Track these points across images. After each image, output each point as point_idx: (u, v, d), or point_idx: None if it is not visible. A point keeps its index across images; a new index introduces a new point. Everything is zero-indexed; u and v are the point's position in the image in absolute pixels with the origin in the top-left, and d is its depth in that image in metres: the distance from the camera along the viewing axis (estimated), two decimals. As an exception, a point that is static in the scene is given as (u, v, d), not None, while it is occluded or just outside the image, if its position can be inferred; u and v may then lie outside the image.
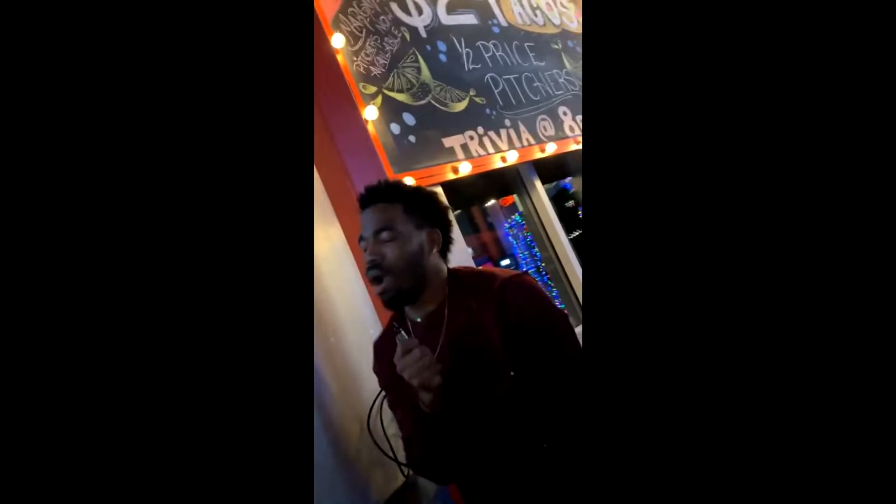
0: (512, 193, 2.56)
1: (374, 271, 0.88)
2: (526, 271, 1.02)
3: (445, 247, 0.98)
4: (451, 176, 1.92)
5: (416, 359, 0.79)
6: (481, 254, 3.04)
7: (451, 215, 0.97)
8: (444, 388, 0.81)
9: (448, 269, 0.97)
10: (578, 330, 0.85)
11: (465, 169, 1.95)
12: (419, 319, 0.94)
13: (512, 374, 0.86)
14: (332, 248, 1.64)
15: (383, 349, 1.01)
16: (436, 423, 0.84)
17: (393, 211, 0.91)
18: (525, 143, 2.25)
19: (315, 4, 1.80)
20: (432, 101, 1.99)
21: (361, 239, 0.92)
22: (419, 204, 0.94)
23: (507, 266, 3.49)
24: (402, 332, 0.84)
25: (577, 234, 2.54)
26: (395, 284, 0.88)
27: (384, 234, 0.89)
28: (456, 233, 1.95)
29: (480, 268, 1.00)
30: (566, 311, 1.02)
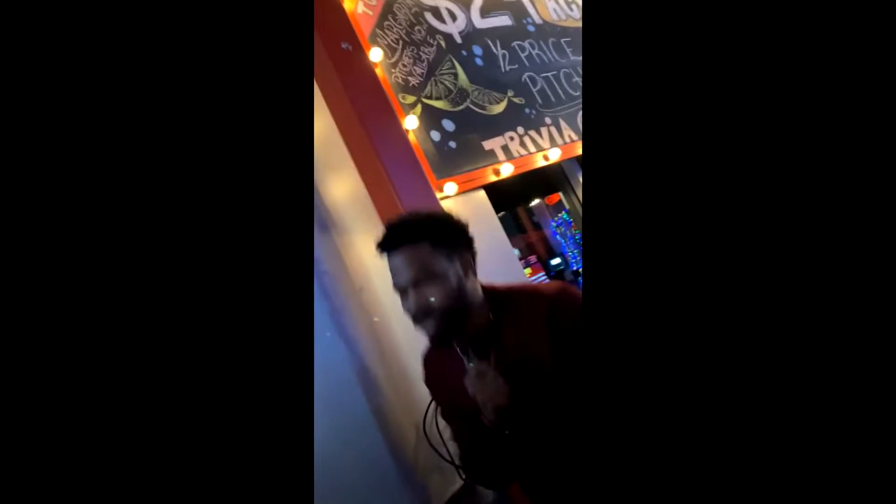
0: (557, 191, 2.53)
1: (423, 316, 0.87)
2: (571, 284, 0.99)
3: (473, 262, 0.94)
4: (492, 178, 1.92)
5: (491, 381, 0.82)
6: (529, 254, 3.01)
7: (470, 230, 0.95)
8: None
9: (482, 286, 0.94)
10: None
11: (506, 170, 1.95)
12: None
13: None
14: (382, 260, 1.68)
15: (433, 363, 1.01)
16: (495, 436, 0.86)
17: (422, 252, 0.87)
18: (567, 140, 2.21)
19: (352, 21, 1.86)
20: (470, 106, 2.00)
21: (396, 286, 0.90)
22: (443, 234, 0.90)
23: (557, 265, 3.43)
24: (473, 355, 0.86)
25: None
26: (443, 323, 0.86)
27: (423, 281, 0.87)
28: (501, 235, 1.95)
29: (516, 284, 0.97)
30: None
